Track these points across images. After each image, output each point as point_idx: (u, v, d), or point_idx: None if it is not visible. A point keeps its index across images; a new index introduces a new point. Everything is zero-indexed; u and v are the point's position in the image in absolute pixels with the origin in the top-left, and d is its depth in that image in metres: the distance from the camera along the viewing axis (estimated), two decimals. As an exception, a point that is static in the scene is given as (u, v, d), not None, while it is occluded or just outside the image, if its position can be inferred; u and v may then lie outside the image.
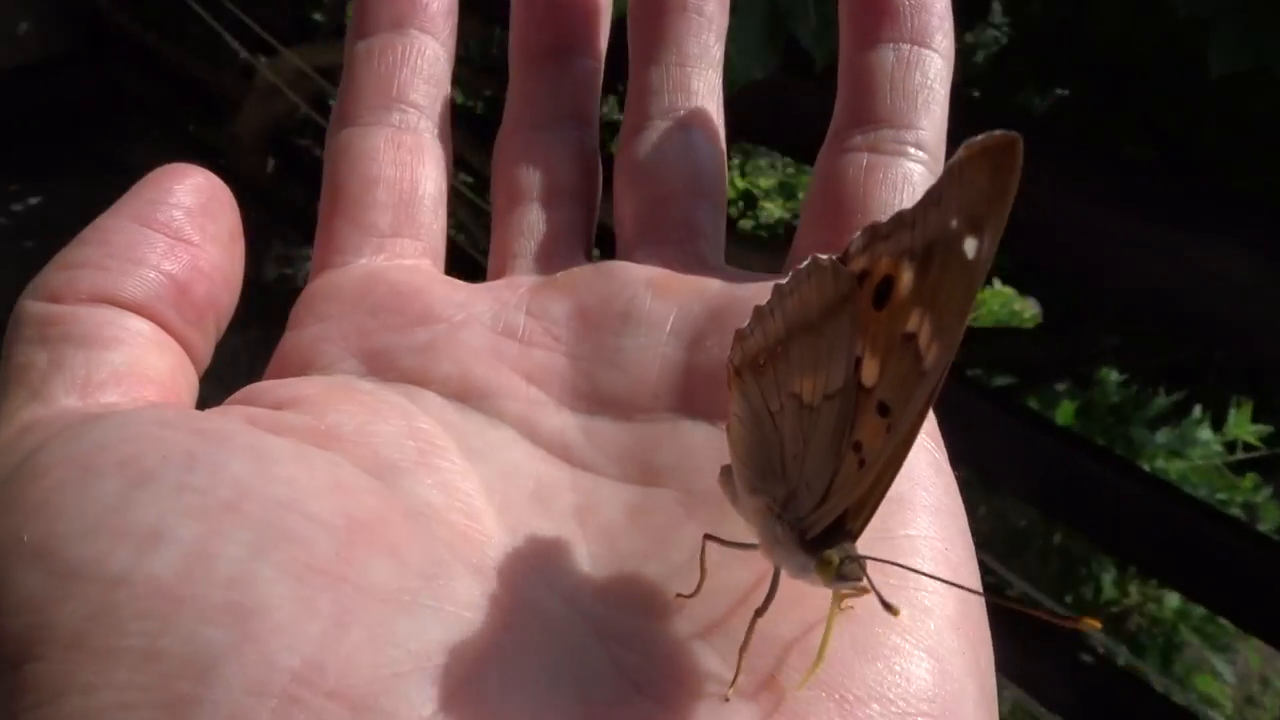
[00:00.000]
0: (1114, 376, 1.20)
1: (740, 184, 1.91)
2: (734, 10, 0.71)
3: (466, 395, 0.15)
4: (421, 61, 0.19)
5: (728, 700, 0.12)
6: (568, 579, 0.13)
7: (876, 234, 0.13)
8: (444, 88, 0.19)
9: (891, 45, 0.18)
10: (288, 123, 1.70)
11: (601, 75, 0.20)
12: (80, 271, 0.15)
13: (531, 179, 0.19)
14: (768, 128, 1.15)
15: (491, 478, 0.14)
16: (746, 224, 1.94)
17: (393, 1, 0.19)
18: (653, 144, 0.18)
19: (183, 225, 0.16)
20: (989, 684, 0.14)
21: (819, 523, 0.13)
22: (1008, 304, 2.04)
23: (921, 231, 0.13)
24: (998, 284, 2.02)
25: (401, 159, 0.18)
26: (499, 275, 0.18)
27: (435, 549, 0.13)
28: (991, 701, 0.13)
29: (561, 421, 0.15)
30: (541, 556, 0.14)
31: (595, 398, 0.15)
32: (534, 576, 0.13)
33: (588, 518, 0.14)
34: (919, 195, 0.16)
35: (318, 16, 1.83)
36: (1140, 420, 1.14)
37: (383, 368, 0.16)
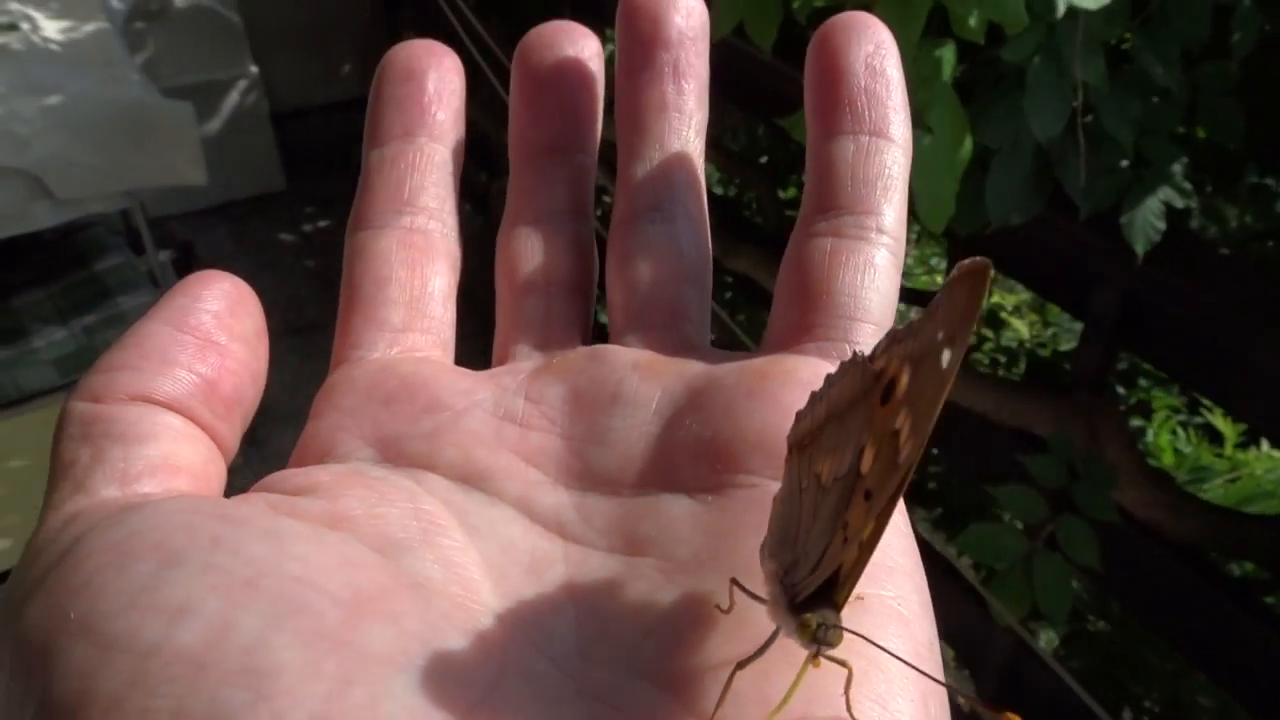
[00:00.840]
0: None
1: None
2: (999, 153, 0.69)
3: (469, 477, 0.17)
4: (430, 167, 0.20)
5: None
6: (554, 642, 0.15)
7: (895, 338, 0.14)
8: (452, 190, 0.21)
9: (851, 136, 0.19)
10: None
11: (594, 169, 0.21)
12: (119, 373, 0.16)
13: (530, 270, 0.20)
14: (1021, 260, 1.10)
15: (490, 553, 0.16)
16: (987, 348, 1.86)
17: (403, 112, 0.20)
18: (639, 235, 0.20)
19: (211, 328, 0.17)
20: None
21: (807, 589, 0.14)
22: (1275, 470, 1.83)
23: (918, 340, 0.14)
24: (1265, 446, 1.82)
25: (412, 259, 0.20)
26: (502, 361, 0.20)
27: (432, 617, 0.14)
28: None
29: (556, 499, 0.17)
30: (531, 623, 0.15)
31: (587, 475, 0.17)
32: (523, 640, 0.14)
33: (576, 586, 0.15)
34: (881, 278, 0.18)
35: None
36: None
37: (393, 454, 0.17)
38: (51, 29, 1.71)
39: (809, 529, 0.15)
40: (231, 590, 0.13)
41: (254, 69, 2.34)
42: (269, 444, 1.82)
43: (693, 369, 0.18)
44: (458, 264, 0.21)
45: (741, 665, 0.14)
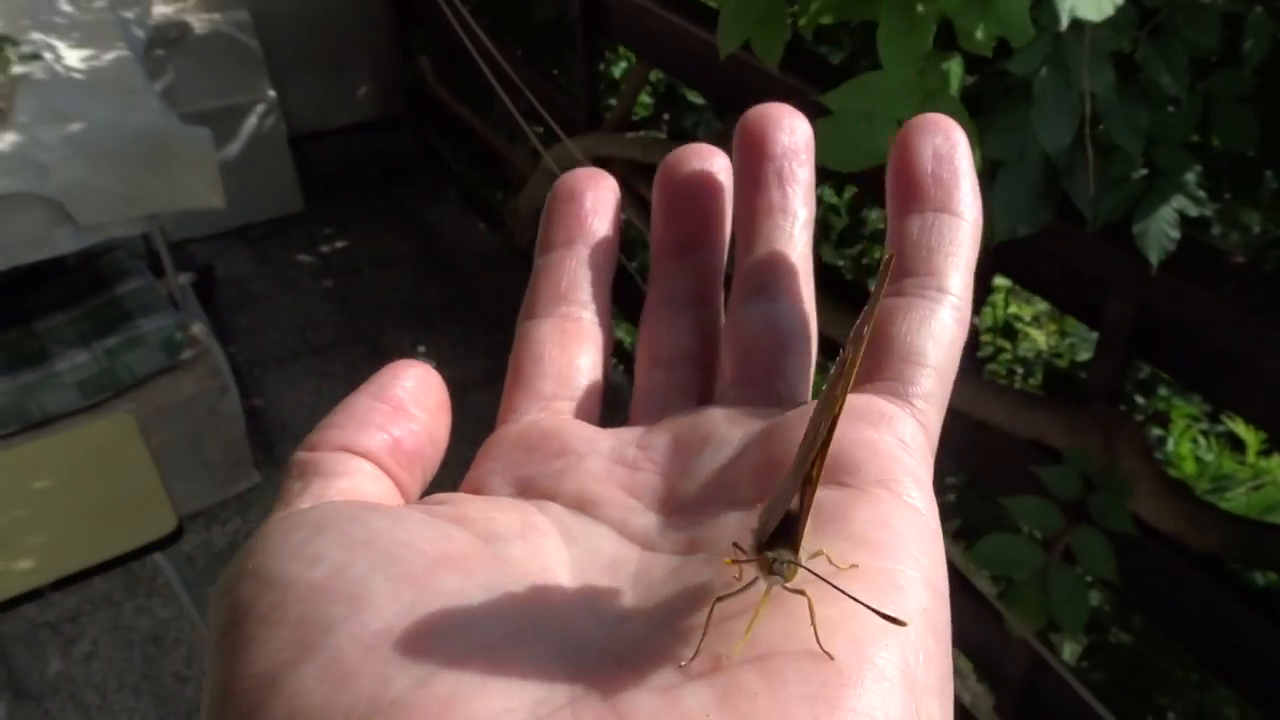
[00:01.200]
0: None
1: (999, 315, 1.83)
2: (1005, 164, 0.69)
3: (581, 505, 0.20)
4: (584, 268, 0.24)
5: (682, 665, 0.16)
6: (606, 604, 0.18)
7: (851, 338, 0.18)
8: (604, 286, 0.25)
9: (919, 213, 0.22)
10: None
11: (723, 263, 0.25)
12: (329, 430, 0.21)
13: (661, 347, 0.24)
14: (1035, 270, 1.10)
15: (578, 554, 0.19)
16: (1004, 359, 1.85)
17: (565, 225, 0.25)
18: (746, 312, 0.23)
19: (402, 399, 0.22)
20: (924, 706, 0.16)
21: (767, 532, 0.17)
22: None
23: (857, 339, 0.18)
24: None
25: (564, 341, 0.24)
26: (634, 421, 0.23)
27: (502, 577, 0.17)
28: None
29: (646, 521, 0.20)
30: (591, 593, 0.18)
31: (673, 503, 0.20)
32: (575, 598, 0.18)
33: (640, 576, 0.19)
34: (939, 329, 0.21)
35: (612, 101, 1.95)
36: None
37: (527, 490, 0.21)
38: (73, 58, 1.74)
39: (784, 489, 0.18)
40: (352, 547, 0.17)
41: (272, 93, 2.37)
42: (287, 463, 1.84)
43: (773, 415, 0.21)
44: (604, 346, 0.25)
45: (720, 599, 0.17)
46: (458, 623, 0.16)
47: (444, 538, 0.18)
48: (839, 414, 0.17)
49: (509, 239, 2.15)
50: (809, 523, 0.17)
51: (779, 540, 0.17)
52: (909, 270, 0.22)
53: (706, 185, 0.24)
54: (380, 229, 2.53)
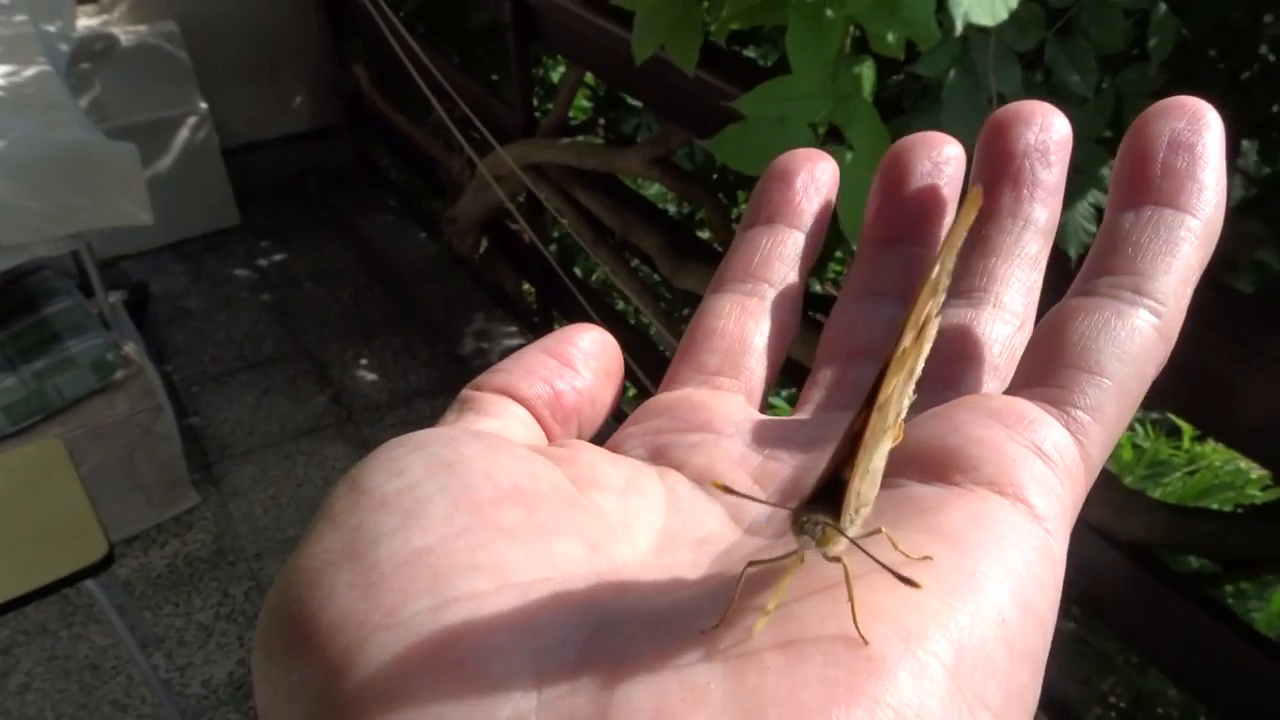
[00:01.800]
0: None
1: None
2: None
3: (701, 481, 0.20)
4: (780, 248, 0.23)
5: (703, 632, 0.15)
6: (668, 571, 0.17)
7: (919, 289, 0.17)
8: (798, 268, 0.24)
9: (1136, 208, 0.19)
10: (501, 210, 1.80)
11: (929, 259, 0.23)
12: (495, 374, 0.21)
13: (841, 340, 0.23)
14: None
15: (674, 523, 0.18)
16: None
17: (770, 203, 0.24)
18: (946, 316, 0.21)
19: (572, 357, 0.22)
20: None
21: (810, 491, 0.16)
22: (1232, 461, 1.86)
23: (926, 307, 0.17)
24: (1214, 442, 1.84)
25: (740, 318, 0.23)
26: (797, 408, 0.22)
27: (565, 520, 0.17)
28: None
29: (761, 510, 0.19)
30: (659, 556, 0.17)
31: (792, 492, 0.19)
32: (638, 559, 0.17)
33: (725, 555, 0.18)
34: (1123, 336, 0.18)
35: (550, 106, 1.95)
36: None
37: (658, 456, 0.20)
38: (-9, 74, 1.70)
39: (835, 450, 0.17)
40: (434, 467, 0.17)
41: (203, 105, 2.33)
42: (226, 481, 1.80)
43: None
44: (786, 327, 0.23)
45: (752, 564, 0.16)
46: (498, 556, 0.16)
47: (529, 474, 0.18)
48: (890, 364, 0.16)
49: (448, 248, 2.14)
50: (893, 514, 0.16)
51: (820, 503, 0.16)
52: (1106, 268, 0.19)
53: (926, 177, 0.23)
54: (319, 241, 2.50)
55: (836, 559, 0.15)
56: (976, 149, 0.23)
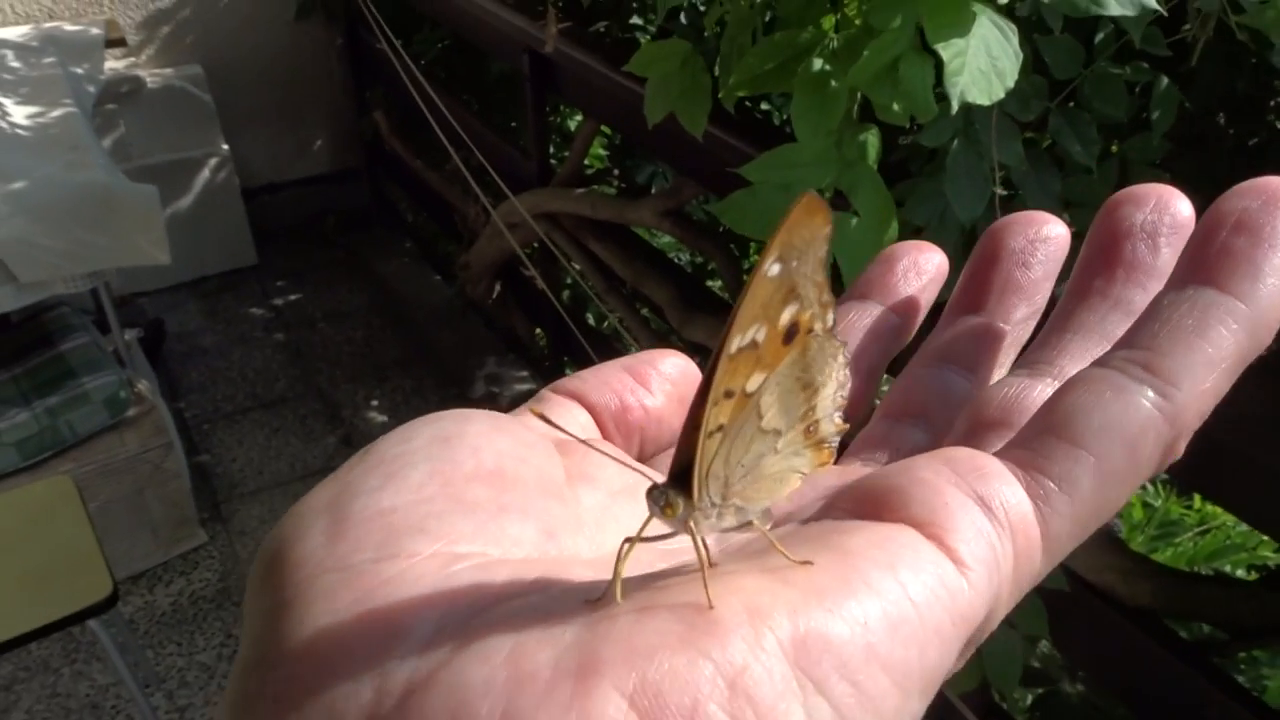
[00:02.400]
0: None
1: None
2: (925, 230, 0.69)
3: None
4: (865, 320, 0.24)
5: (587, 602, 0.15)
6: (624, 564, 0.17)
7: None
8: (879, 341, 0.24)
9: (1179, 288, 0.18)
10: (515, 256, 1.82)
11: (1004, 336, 0.23)
12: (573, 380, 0.22)
13: (898, 402, 0.23)
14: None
15: (654, 532, 0.18)
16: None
17: (866, 281, 0.24)
18: (1011, 382, 0.21)
19: (648, 377, 0.23)
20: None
21: (670, 474, 0.18)
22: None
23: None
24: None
25: None
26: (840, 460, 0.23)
27: (530, 505, 0.18)
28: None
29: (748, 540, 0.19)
30: (604, 561, 0.17)
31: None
32: (595, 552, 0.18)
33: (683, 562, 0.18)
34: (1113, 412, 0.17)
35: (566, 153, 1.97)
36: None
37: None
38: (19, 115, 1.73)
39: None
40: (434, 439, 0.18)
41: (225, 146, 2.37)
42: (234, 520, 1.81)
43: None
44: (859, 397, 0.23)
45: (629, 540, 0.17)
46: (449, 526, 0.17)
47: (518, 458, 0.19)
48: (720, 352, 0.17)
49: (462, 292, 2.16)
50: (804, 535, 0.17)
51: (677, 482, 0.17)
52: (1127, 340, 0.18)
53: (1017, 254, 0.23)
54: (334, 281, 2.52)
55: (689, 532, 0.17)
56: (1091, 227, 0.22)
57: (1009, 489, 0.17)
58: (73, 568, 1.26)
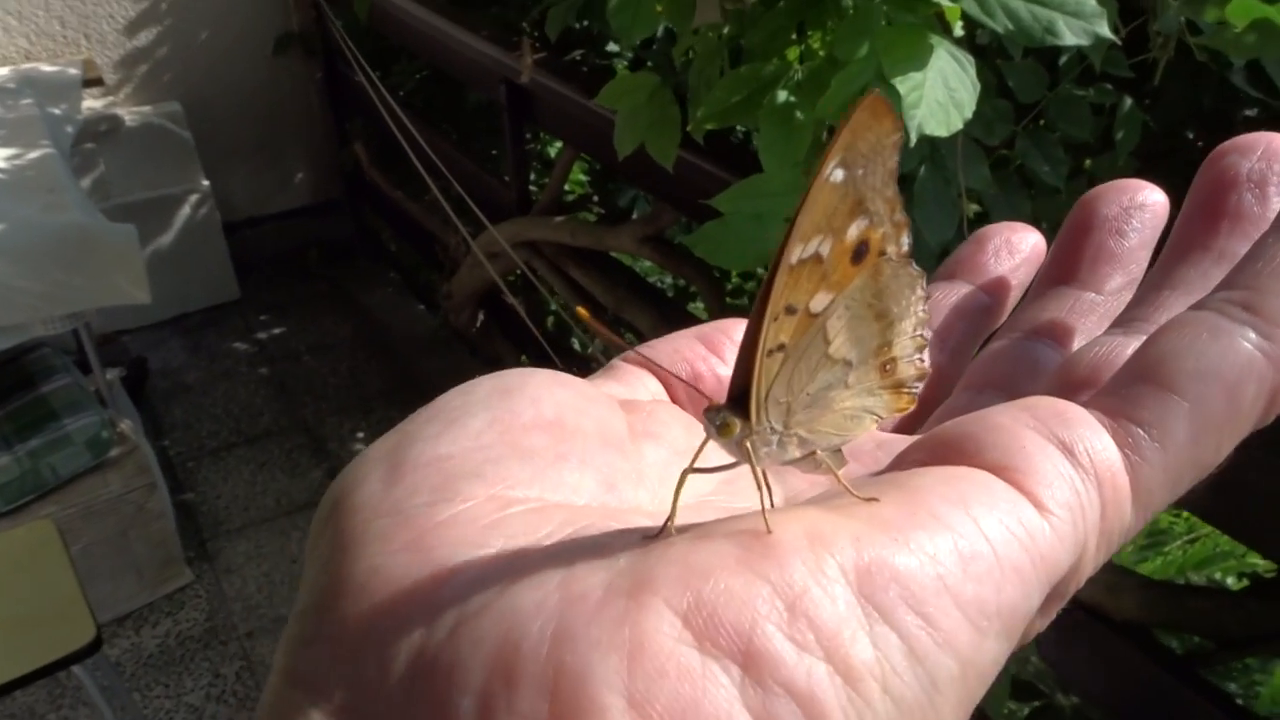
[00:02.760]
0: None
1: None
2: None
3: None
4: (951, 299, 0.23)
5: (645, 537, 0.15)
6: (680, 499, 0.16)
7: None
8: (966, 319, 0.23)
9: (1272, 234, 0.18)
10: (496, 285, 1.82)
11: (1093, 305, 0.22)
12: (645, 348, 0.22)
13: (983, 372, 0.22)
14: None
15: (722, 492, 0.19)
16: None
17: (956, 261, 0.24)
18: (1105, 341, 0.20)
19: (721, 346, 0.22)
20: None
21: (728, 396, 0.17)
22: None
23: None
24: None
25: None
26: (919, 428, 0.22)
27: (590, 456, 0.18)
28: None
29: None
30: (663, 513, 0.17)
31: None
32: (655, 498, 0.18)
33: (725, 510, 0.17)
34: (1213, 353, 0.16)
35: (546, 181, 1.98)
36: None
37: None
38: (-4, 157, 1.73)
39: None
40: (494, 391, 0.18)
41: (205, 182, 2.37)
42: (220, 558, 1.80)
43: None
44: (944, 374, 0.23)
45: (690, 470, 0.17)
46: (505, 471, 0.17)
47: (578, 410, 0.18)
48: (779, 263, 0.16)
49: (446, 321, 2.16)
50: (876, 480, 0.16)
51: (734, 405, 0.17)
52: (1228, 281, 0.17)
53: (1110, 221, 0.22)
54: (318, 313, 2.52)
55: (746, 456, 0.16)
56: (1195, 179, 0.21)
57: (1094, 435, 0.16)
58: (55, 613, 1.24)
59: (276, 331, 2.45)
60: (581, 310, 0.18)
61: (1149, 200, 0.22)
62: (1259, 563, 1.83)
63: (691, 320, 1.62)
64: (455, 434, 0.17)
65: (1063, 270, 0.22)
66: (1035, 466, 0.15)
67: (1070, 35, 0.51)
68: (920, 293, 0.18)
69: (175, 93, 2.36)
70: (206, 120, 2.40)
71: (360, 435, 2.09)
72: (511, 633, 0.13)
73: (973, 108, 0.52)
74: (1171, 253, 0.21)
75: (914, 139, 0.52)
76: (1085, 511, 0.15)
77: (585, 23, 1.72)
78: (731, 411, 0.16)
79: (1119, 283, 0.22)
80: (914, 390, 0.18)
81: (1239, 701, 1.18)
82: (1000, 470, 0.15)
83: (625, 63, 1.83)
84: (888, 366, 0.18)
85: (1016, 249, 0.23)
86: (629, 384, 0.21)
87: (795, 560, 0.14)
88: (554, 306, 1.94)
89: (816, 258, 0.16)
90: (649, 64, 1.44)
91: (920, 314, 0.18)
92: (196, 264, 2.41)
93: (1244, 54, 0.62)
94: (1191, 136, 1.21)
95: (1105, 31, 0.52)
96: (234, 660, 1.63)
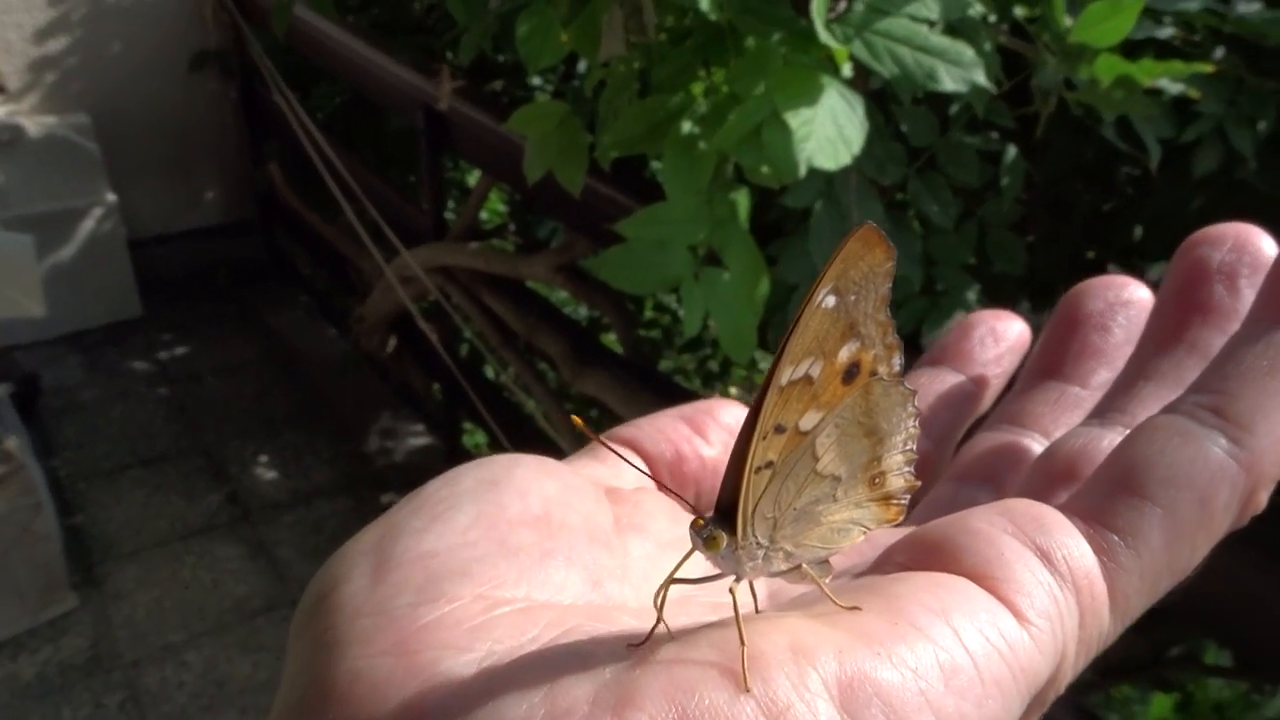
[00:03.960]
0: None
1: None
2: (798, 288, 0.72)
3: None
4: (935, 386, 0.24)
5: (630, 646, 0.15)
6: (665, 610, 0.17)
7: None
8: (951, 407, 0.24)
9: (1260, 325, 0.18)
10: (407, 311, 1.81)
11: (1085, 402, 0.23)
12: (628, 427, 0.22)
13: (965, 463, 0.23)
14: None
15: (707, 587, 0.18)
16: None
17: (942, 348, 0.25)
18: (1091, 433, 0.20)
19: (706, 427, 0.22)
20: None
21: (716, 509, 0.17)
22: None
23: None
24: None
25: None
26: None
27: (576, 552, 0.18)
28: None
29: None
30: (650, 610, 0.16)
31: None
32: (640, 601, 0.18)
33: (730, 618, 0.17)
34: (1181, 457, 0.16)
35: (454, 212, 1.98)
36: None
37: None
38: (-114, 160, 1.66)
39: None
40: (481, 482, 0.18)
41: (111, 196, 2.31)
42: (108, 583, 1.73)
43: None
44: (929, 460, 0.23)
45: (672, 581, 0.17)
46: (491, 570, 0.17)
47: (564, 504, 0.19)
48: (769, 383, 0.16)
49: (357, 346, 2.13)
50: (856, 585, 0.16)
51: (722, 518, 0.17)
52: (1197, 384, 0.18)
53: (1095, 317, 0.23)
54: (225, 335, 2.46)
55: (732, 571, 0.17)
56: (1167, 270, 0.21)
57: (1072, 541, 0.16)
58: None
59: (180, 351, 2.38)
60: (576, 419, 0.18)
61: (1134, 297, 0.22)
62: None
63: (602, 350, 1.64)
64: (441, 530, 0.17)
65: (1049, 364, 0.23)
66: (1014, 575, 0.15)
67: (949, 81, 0.54)
68: (911, 409, 0.18)
69: (84, 104, 2.30)
70: (116, 134, 2.34)
71: (264, 459, 2.04)
72: None
73: (861, 144, 0.55)
74: (1146, 344, 0.21)
75: (803, 170, 0.55)
76: (1064, 619, 0.15)
77: (504, 57, 1.74)
78: (718, 525, 0.17)
79: (1104, 378, 0.22)
80: (902, 502, 0.18)
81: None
82: (980, 578, 0.15)
83: (548, 94, 1.85)
84: (876, 480, 0.18)
85: (1002, 337, 0.24)
86: (613, 465, 0.21)
87: (779, 674, 0.14)
88: (467, 334, 1.94)
89: (807, 379, 0.17)
90: (567, 96, 1.47)
91: (910, 429, 0.18)
92: (98, 279, 2.34)
93: (1113, 110, 0.67)
94: (1079, 189, 1.28)
95: (982, 79, 0.55)
96: (117, 690, 1.56)
